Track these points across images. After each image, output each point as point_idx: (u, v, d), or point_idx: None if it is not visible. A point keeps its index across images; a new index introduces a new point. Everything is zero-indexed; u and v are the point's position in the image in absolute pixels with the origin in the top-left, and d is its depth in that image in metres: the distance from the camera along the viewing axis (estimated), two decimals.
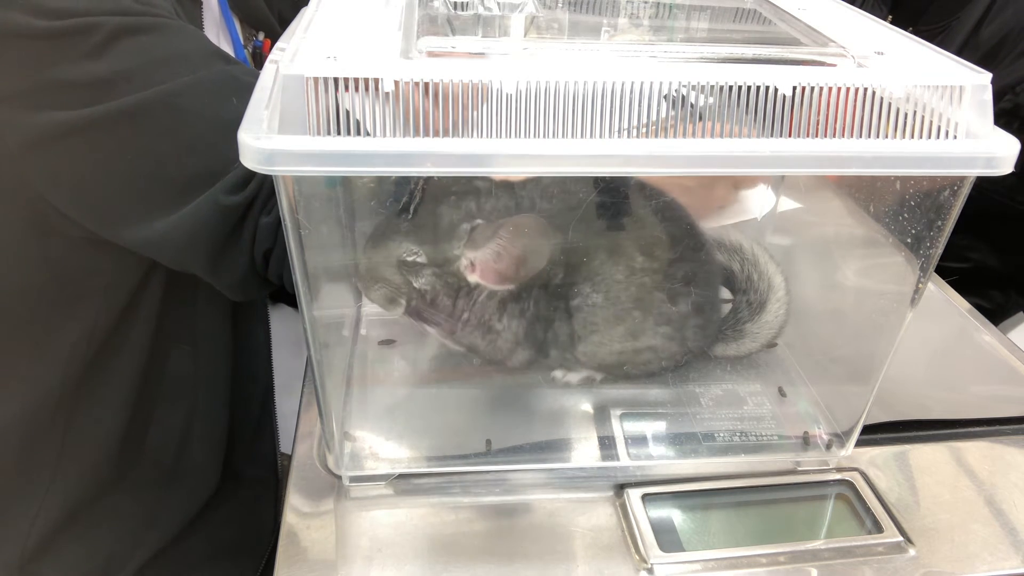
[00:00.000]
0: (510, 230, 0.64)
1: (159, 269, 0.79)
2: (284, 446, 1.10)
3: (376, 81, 0.45)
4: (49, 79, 0.65)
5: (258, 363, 1.01)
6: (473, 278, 0.67)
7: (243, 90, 0.69)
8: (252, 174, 0.68)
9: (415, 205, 0.65)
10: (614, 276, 0.69)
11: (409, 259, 0.66)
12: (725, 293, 0.79)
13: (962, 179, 0.54)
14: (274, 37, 0.99)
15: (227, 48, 0.92)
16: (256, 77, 0.72)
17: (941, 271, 0.81)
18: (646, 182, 0.69)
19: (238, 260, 0.72)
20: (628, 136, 0.49)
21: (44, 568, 0.84)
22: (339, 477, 0.66)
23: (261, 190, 0.69)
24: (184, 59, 0.68)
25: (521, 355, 0.72)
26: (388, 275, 0.67)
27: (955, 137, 0.50)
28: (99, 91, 0.65)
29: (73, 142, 0.66)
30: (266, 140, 0.44)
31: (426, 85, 0.46)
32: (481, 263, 0.66)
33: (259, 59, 0.98)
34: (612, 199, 0.67)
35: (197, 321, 0.86)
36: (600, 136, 0.49)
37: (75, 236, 0.74)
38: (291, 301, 1.14)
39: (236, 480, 0.96)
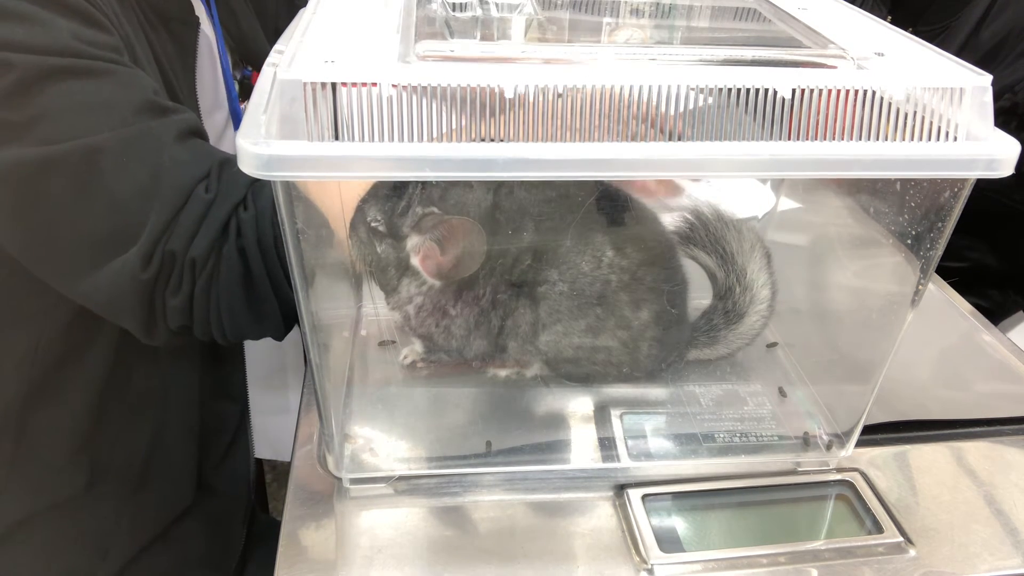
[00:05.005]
0: (446, 229, 0.65)
1: None
2: (260, 451, 1.09)
3: (374, 85, 0.45)
4: None
5: (233, 383, 1.00)
6: (415, 263, 0.67)
7: (161, 151, 0.66)
8: (156, 246, 0.65)
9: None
10: (581, 267, 0.69)
11: (373, 224, 0.67)
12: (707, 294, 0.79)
13: (963, 181, 0.54)
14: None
15: (217, 73, 0.91)
16: (182, 137, 0.68)
17: (940, 271, 0.81)
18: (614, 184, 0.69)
19: (160, 329, 0.70)
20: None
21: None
22: (339, 479, 0.66)
23: (162, 268, 0.66)
24: (112, 110, 0.65)
25: (477, 345, 0.72)
26: (360, 233, 0.68)
27: (955, 139, 0.50)
28: (15, 132, 0.62)
29: None
30: (264, 146, 0.44)
31: (424, 89, 0.46)
32: (424, 250, 0.66)
33: (246, 89, 0.99)
34: (587, 197, 0.68)
35: None
36: (600, 140, 0.49)
37: (10, 256, 0.71)
38: None
39: (208, 495, 0.95)
